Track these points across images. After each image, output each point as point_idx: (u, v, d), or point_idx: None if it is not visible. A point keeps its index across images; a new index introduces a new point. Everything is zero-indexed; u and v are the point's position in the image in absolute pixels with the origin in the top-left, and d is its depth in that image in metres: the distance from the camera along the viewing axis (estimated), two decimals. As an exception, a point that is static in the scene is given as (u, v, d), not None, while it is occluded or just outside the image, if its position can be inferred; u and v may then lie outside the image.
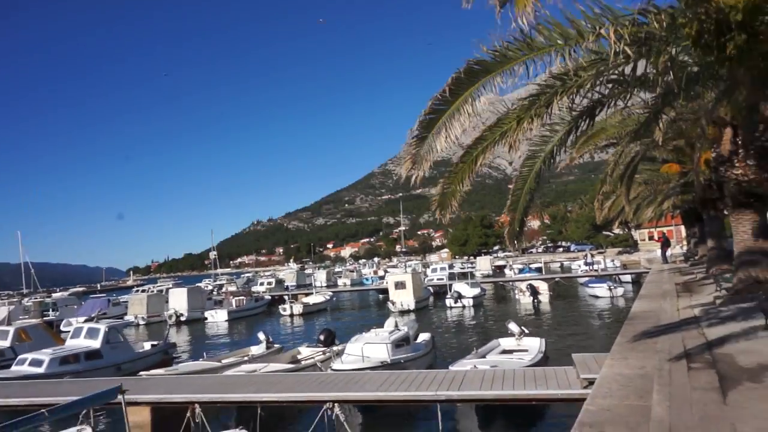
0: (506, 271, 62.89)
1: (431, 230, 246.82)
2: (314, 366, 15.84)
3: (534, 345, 16.87)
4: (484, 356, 15.88)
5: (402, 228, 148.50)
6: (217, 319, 37.97)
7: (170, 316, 23.24)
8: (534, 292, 33.79)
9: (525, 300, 34.24)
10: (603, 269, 43.73)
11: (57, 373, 18.12)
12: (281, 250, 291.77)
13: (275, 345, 20.50)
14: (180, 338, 33.09)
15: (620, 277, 39.68)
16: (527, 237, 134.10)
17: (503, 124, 7.31)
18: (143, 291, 57.21)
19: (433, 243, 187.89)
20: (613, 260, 54.26)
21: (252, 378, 12.54)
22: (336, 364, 13.85)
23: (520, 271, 52.93)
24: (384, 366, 13.60)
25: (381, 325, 17.40)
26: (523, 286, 35.28)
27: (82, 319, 40.13)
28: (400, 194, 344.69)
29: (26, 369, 18.21)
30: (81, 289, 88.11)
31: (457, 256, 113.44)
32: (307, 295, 44.74)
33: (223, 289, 52.86)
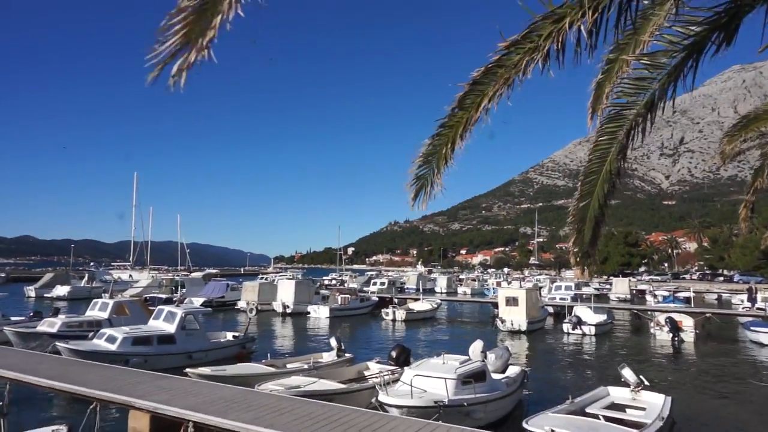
0: (647, 297, 54.87)
1: (570, 244, 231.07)
2: (372, 389, 13.39)
3: (655, 403, 12.77)
4: (582, 409, 12.22)
5: (538, 239, 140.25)
6: (319, 315, 37.27)
7: (250, 309, 22.29)
8: (674, 327, 27.87)
9: (662, 336, 28.44)
10: (774, 309, 35.40)
11: (128, 353, 17.99)
12: (415, 252, 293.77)
13: (346, 354, 18.48)
14: (276, 330, 32.71)
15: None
16: (680, 261, 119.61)
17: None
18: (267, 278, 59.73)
19: (571, 258, 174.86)
20: (789, 299, 44.34)
21: (265, 399, 10.42)
22: (381, 395, 11.26)
23: (664, 299, 45.38)
24: (437, 408, 10.71)
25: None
26: (662, 318, 29.37)
27: (199, 300, 42.22)
28: (540, 204, 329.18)
29: (101, 344, 18.29)
30: (215, 270, 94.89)
31: (595, 275, 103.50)
32: (414, 300, 42.41)
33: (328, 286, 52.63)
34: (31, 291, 52.09)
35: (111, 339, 18.32)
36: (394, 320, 36.27)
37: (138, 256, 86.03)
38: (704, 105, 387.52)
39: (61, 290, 49.49)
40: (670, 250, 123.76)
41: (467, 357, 13.51)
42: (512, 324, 30.93)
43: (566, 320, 31.07)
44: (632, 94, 4.81)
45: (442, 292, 71.10)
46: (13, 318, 26.52)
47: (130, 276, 72.82)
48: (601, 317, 31.43)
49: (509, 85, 4.32)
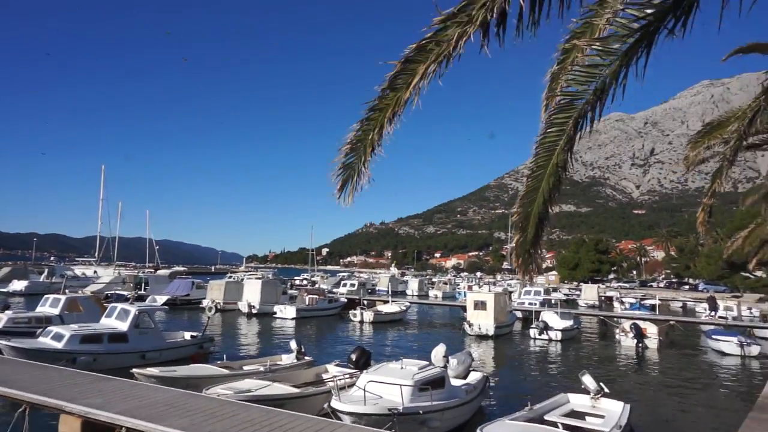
0: (615, 303, 55.50)
1: (543, 249, 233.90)
2: (327, 394, 12.86)
3: (614, 411, 12.56)
4: (541, 417, 11.92)
5: (512, 244, 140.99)
6: (286, 315, 36.55)
7: (209, 308, 21.59)
8: (639, 334, 28.03)
9: (627, 343, 28.56)
10: (735, 318, 36.02)
11: (75, 351, 17.15)
12: (390, 254, 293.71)
13: (306, 357, 17.89)
14: (240, 330, 31.90)
15: (756, 331, 32.25)
16: (648, 269, 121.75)
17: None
18: (232, 277, 58.55)
19: (543, 263, 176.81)
20: (750, 308, 45.25)
21: (207, 404, 9.82)
22: (334, 400, 10.74)
23: (631, 306, 45.86)
24: (391, 416, 10.25)
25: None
26: (627, 325, 29.52)
27: (163, 298, 41.05)
28: (514, 209, 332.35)
29: (47, 342, 17.41)
30: (182, 268, 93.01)
31: (566, 281, 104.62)
32: (383, 302, 41.98)
33: (297, 286, 51.87)
34: (-13, 285, 50.04)
35: (57, 337, 17.41)
36: (361, 322, 35.75)
37: (105, 252, 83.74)
38: (674, 118, 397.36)
39: (18, 285, 47.62)
40: (638, 258, 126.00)
41: (427, 362, 13.08)
42: (480, 328, 30.70)
43: (533, 325, 31.01)
44: (584, 82, 4.45)
45: (413, 295, 70.82)
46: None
47: (95, 272, 70.73)
48: (568, 323, 31.45)
49: (441, 61, 3.90)
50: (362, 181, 4.54)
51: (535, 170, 5.28)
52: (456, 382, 14.17)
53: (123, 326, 18.78)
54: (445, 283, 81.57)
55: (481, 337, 30.48)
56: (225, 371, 15.01)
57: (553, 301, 42.64)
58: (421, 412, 10.83)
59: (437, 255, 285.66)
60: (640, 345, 27.66)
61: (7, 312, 22.21)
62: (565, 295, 67.96)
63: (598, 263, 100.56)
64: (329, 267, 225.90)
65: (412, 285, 74.90)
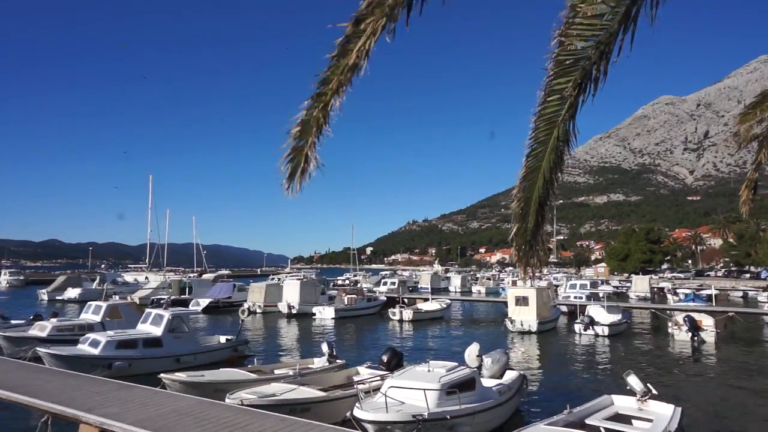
0: (668, 295, 52.87)
1: (591, 241, 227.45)
2: (355, 397, 12.42)
3: (663, 415, 11.56)
4: (581, 420, 11.09)
5: (559, 237, 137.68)
6: (325, 316, 36.45)
7: (243, 311, 21.54)
8: (694, 327, 26.35)
9: (680, 337, 26.92)
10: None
11: (111, 357, 17.38)
12: (434, 251, 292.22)
13: (338, 360, 17.50)
14: (279, 332, 31.95)
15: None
16: (704, 258, 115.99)
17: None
18: (283, 278, 59.28)
19: (591, 255, 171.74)
20: (819, 296, 42.15)
21: (224, 412, 9.52)
22: (356, 409, 10.24)
23: (685, 297, 43.50)
24: (415, 423, 9.69)
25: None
26: (680, 318, 27.84)
27: (205, 301, 41.75)
28: (560, 201, 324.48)
29: (84, 348, 17.74)
30: (226, 272, 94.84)
31: (615, 272, 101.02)
32: (424, 300, 41.32)
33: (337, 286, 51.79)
34: (44, 294, 52.34)
35: (94, 343, 17.71)
36: (401, 321, 35.24)
37: (155, 259, 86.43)
38: (729, 97, 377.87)
39: (72, 293, 49.56)
40: (693, 247, 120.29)
41: (456, 363, 12.44)
42: (522, 324, 29.68)
43: (578, 320, 29.70)
44: (587, 37, 3.78)
45: (456, 291, 69.87)
46: (13, 321, 26.17)
47: (146, 278, 73.00)
48: (615, 317, 29.97)
49: (394, 14, 3.32)
50: (310, 167, 4.01)
51: (534, 147, 4.61)
52: (490, 383, 13.48)
53: (157, 331, 18.95)
54: (489, 279, 79.96)
55: (524, 334, 29.44)
56: (253, 375, 14.80)
57: (600, 295, 40.97)
58: (448, 417, 10.22)
59: (482, 250, 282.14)
60: (696, 339, 26.00)
61: (52, 320, 22.84)
62: (614, 287, 65.58)
63: (650, 253, 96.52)
64: (374, 266, 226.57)
65: (455, 281, 73.87)
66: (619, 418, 11.75)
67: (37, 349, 17.25)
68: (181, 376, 13.76)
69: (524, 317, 29.75)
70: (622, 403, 12.47)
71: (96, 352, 17.34)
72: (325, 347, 17.79)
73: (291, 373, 15.62)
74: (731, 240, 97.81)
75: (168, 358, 18.52)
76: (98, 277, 58.03)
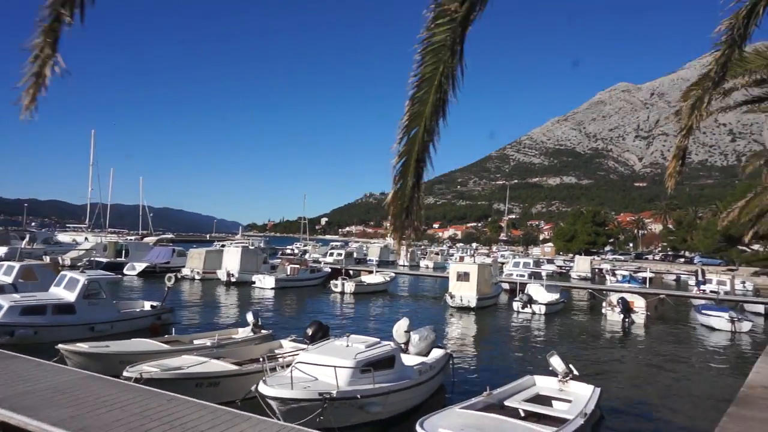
0: (607, 276, 54.49)
1: (542, 221, 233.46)
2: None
3: (582, 395, 11.46)
4: (501, 402, 10.82)
5: (511, 216, 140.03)
6: (265, 285, 35.49)
7: (169, 277, 20.31)
8: (626, 308, 26.96)
9: (613, 317, 27.52)
10: (728, 292, 34.92)
11: (13, 324, 16.00)
12: (388, 224, 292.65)
13: (263, 331, 16.76)
14: (215, 300, 30.87)
15: (748, 306, 31.23)
16: (645, 242, 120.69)
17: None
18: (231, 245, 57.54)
19: (540, 235, 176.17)
20: (744, 282, 44.18)
21: (106, 390, 8.63)
22: (261, 384, 9.54)
23: (622, 278, 44.81)
24: (322, 402, 9.08)
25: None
26: (614, 298, 28.45)
27: (142, 265, 40.00)
28: (515, 180, 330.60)
29: (-18, 314, 16.19)
30: (170, 235, 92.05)
31: (561, 252, 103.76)
32: (368, 272, 40.93)
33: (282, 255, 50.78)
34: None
35: (-5, 307, 16.26)
36: (342, 293, 34.72)
37: (98, 219, 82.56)
38: (681, 88, 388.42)
39: (19, 251, 46.50)
40: (636, 231, 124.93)
41: (376, 339, 11.89)
42: (461, 300, 29.65)
43: (516, 298, 29.95)
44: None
45: (404, 265, 69.94)
46: None
47: (86, 239, 69.67)
48: (554, 296, 30.39)
49: None
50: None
51: (419, 88, 3.85)
52: (414, 360, 13.08)
53: (71, 296, 17.61)
54: (437, 254, 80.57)
55: (463, 309, 29.45)
56: (166, 346, 13.84)
57: (543, 274, 41.65)
58: (359, 396, 9.67)
59: (436, 226, 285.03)
60: (627, 320, 26.62)
61: (-45, 280, 21.03)
62: (558, 267, 67.12)
63: (595, 235, 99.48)
64: (328, 236, 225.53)
65: (404, 255, 73.89)
66: (539, 399, 11.58)
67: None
68: (82, 346, 12.66)
69: (464, 293, 29.72)
70: (543, 384, 12.33)
71: (-4, 317, 15.93)
72: (250, 317, 17.03)
73: (209, 343, 14.81)
74: (670, 226, 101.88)
75: (81, 326, 17.26)
76: (28, 235, 54.74)
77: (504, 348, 20.61)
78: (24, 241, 52.00)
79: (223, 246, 52.10)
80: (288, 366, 11.13)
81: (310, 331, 15.22)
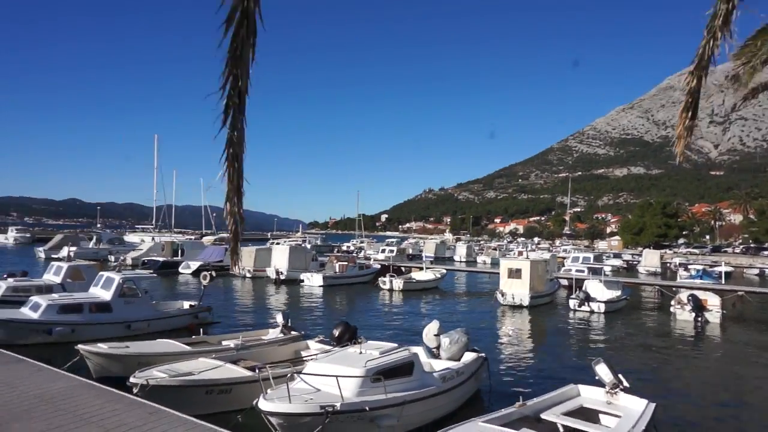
0: (681, 271, 50.61)
1: (609, 214, 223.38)
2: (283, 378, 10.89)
3: (633, 410, 9.91)
4: (536, 414, 9.52)
5: (575, 209, 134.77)
6: (312, 283, 35.19)
7: (204, 276, 20.16)
8: (698, 306, 24.49)
9: (682, 317, 25.10)
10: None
11: (52, 322, 16.17)
12: (448, 220, 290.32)
13: (293, 332, 16.10)
14: (265, 298, 30.80)
15: None
16: (723, 234, 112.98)
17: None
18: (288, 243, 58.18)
19: (607, 228, 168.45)
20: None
21: (93, 400, 8.08)
22: (261, 398, 8.65)
23: (695, 273, 41.33)
24: (326, 415, 8.17)
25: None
26: (684, 296, 25.94)
27: (196, 264, 40.77)
28: (579, 172, 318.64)
29: (24, 312, 16.53)
30: (226, 235, 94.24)
31: (629, 246, 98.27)
32: (419, 269, 39.81)
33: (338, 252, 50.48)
34: (41, 252, 51.98)
35: (35, 306, 16.51)
36: (391, 290, 33.85)
37: (166, 220, 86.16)
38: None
39: (67, 251, 49.01)
40: (712, 222, 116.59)
41: (394, 345, 10.87)
42: (513, 298, 28.03)
43: (573, 296, 27.95)
44: None
45: (460, 261, 68.33)
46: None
47: (153, 239, 72.76)
48: (614, 293, 28.13)
49: None
50: None
51: None
52: (444, 365, 11.96)
53: (106, 295, 17.70)
54: (495, 249, 78.07)
55: (515, 308, 27.83)
56: (187, 348, 13.40)
57: (606, 269, 39.09)
58: (367, 408, 8.68)
59: (497, 220, 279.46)
60: (699, 320, 24.17)
61: (9, 280, 21.79)
62: (625, 261, 63.39)
63: (665, 227, 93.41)
64: (388, 233, 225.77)
65: (460, 250, 72.14)
66: (581, 412, 10.13)
67: (-30, 311, 16.16)
68: (101, 347, 12.41)
69: (516, 290, 28.07)
70: (589, 395, 10.84)
71: (35, 316, 16.15)
72: (279, 318, 16.44)
73: (232, 345, 14.30)
74: (752, 216, 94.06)
75: (117, 324, 17.32)
76: (95, 237, 57.55)
77: (554, 351, 18.98)
78: (91, 242, 54.74)
79: (277, 244, 52.68)
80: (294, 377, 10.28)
81: (336, 332, 14.41)
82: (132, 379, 9.98)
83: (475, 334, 20.37)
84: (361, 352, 10.18)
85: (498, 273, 30.97)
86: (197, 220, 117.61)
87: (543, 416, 9.52)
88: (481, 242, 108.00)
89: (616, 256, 70.17)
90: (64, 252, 49.22)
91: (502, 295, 28.55)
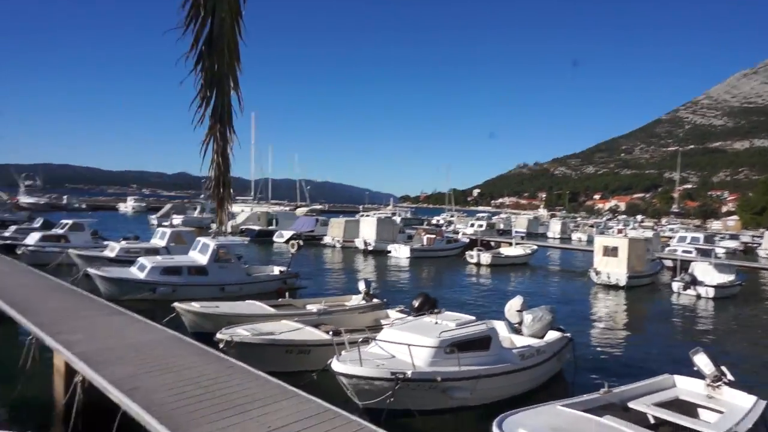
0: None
1: (726, 191, 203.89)
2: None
3: (739, 406, 8.82)
4: (623, 403, 8.81)
5: (686, 186, 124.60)
6: (399, 254, 35.44)
7: (292, 244, 20.90)
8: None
9: (805, 306, 22.40)
10: None
11: (155, 282, 17.56)
12: (543, 196, 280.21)
13: (374, 300, 16.27)
14: (353, 267, 31.50)
15: None
16: None
17: None
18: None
19: (722, 207, 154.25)
20: None
21: (178, 350, 8.58)
22: (334, 360, 8.80)
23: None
24: (397, 382, 8.12)
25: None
26: (810, 283, 23.09)
27: (288, 233, 42.49)
28: (691, 146, 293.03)
29: (132, 272, 18.06)
30: (319, 207, 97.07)
31: (749, 227, 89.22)
32: (508, 244, 38.75)
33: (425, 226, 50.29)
34: (153, 220, 56.77)
35: (141, 267, 18.00)
36: (478, 264, 33.28)
37: (263, 192, 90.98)
38: None
39: (176, 220, 53.20)
40: None
41: (471, 318, 10.56)
42: (608, 277, 26.46)
43: (677, 278, 25.83)
44: None
45: (554, 238, 65.75)
46: (105, 242, 27.89)
47: (251, 209, 77.16)
48: (727, 277, 25.60)
49: None
50: None
51: None
52: (524, 342, 11.51)
53: (203, 260, 18.89)
54: (591, 226, 74.14)
55: (610, 288, 26.28)
56: (272, 310, 13.98)
57: (719, 251, 35.80)
58: (438, 378, 8.52)
59: (596, 197, 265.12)
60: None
61: (122, 242, 23.93)
62: (742, 243, 57.74)
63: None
64: (480, 208, 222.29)
65: (554, 227, 69.30)
66: (677, 405, 9.19)
67: (88, 269, 17.91)
68: (194, 305, 13.27)
69: (611, 269, 26.46)
70: (686, 387, 9.82)
71: (141, 276, 17.60)
72: (362, 285, 16.63)
73: (314, 309, 14.72)
74: None
75: (212, 286, 18.46)
76: (199, 206, 61.90)
77: (650, 337, 17.67)
78: (196, 211, 58.99)
79: (367, 216, 53.65)
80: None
81: (416, 303, 14.29)
82: (218, 335, 10.57)
83: (563, 313, 19.53)
84: (436, 323, 10.02)
85: (592, 251, 29.35)
86: (293, 193, 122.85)
87: (631, 405, 8.77)
88: (578, 219, 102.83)
89: (733, 237, 63.91)
90: (173, 220, 53.48)
91: (596, 274, 27.06)
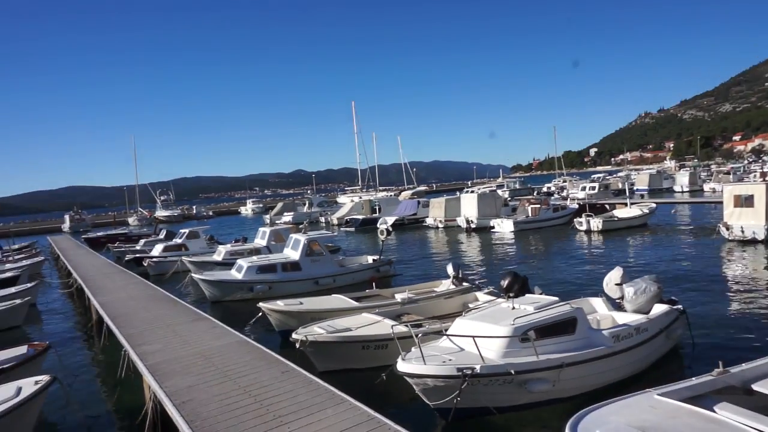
0: None
1: None
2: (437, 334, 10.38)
3: None
4: (745, 385, 7.38)
5: None
6: (503, 229, 33.97)
7: (381, 231, 20.69)
8: None
9: None
10: None
11: (252, 281, 18.29)
12: (671, 145, 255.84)
13: (464, 284, 15.51)
14: (456, 247, 30.68)
15: None
16: None
17: None
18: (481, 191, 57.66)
19: None
20: None
21: (243, 356, 8.56)
22: (399, 360, 8.25)
23: None
24: (464, 378, 7.44)
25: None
26: None
27: (392, 218, 42.57)
28: None
29: (231, 273, 18.95)
30: (423, 188, 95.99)
31: None
32: (623, 206, 35.49)
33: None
34: (267, 219, 60.07)
35: (239, 268, 18.84)
36: (588, 231, 30.85)
37: (371, 180, 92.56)
38: None
39: (287, 217, 55.82)
40: None
41: (554, 299, 9.47)
42: (743, 231, 23.12)
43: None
44: None
45: (682, 191, 59.47)
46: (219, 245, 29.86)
47: (360, 198, 78.90)
48: None
49: None
50: None
51: None
52: (629, 319, 10.17)
53: (295, 255, 19.30)
54: (728, 173, 65.70)
55: (746, 244, 22.94)
56: (354, 303, 13.78)
57: None
58: (512, 371, 7.68)
59: (735, 138, 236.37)
60: None
61: (227, 245, 25.31)
62: None
63: None
64: (599, 168, 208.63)
65: (681, 179, 62.50)
66: None
67: (192, 275, 19.07)
68: (278, 304, 13.47)
69: (746, 222, 23.07)
70: None
71: (239, 276, 18.40)
72: (450, 268, 15.93)
73: (400, 298, 14.31)
74: None
75: (306, 280, 18.84)
76: (306, 202, 64.33)
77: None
78: (304, 207, 61.43)
79: (470, 192, 52.27)
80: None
81: (504, 284, 13.29)
82: (294, 335, 10.55)
83: (684, 280, 17.33)
84: (513, 308, 9.12)
85: (722, 202, 25.75)
86: (402, 177, 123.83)
87: (756, 387, 7.25)
88: (712, 166, 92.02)
89: None
90: (285, 218, 56.10)
91: (727, 229, 23.78)
